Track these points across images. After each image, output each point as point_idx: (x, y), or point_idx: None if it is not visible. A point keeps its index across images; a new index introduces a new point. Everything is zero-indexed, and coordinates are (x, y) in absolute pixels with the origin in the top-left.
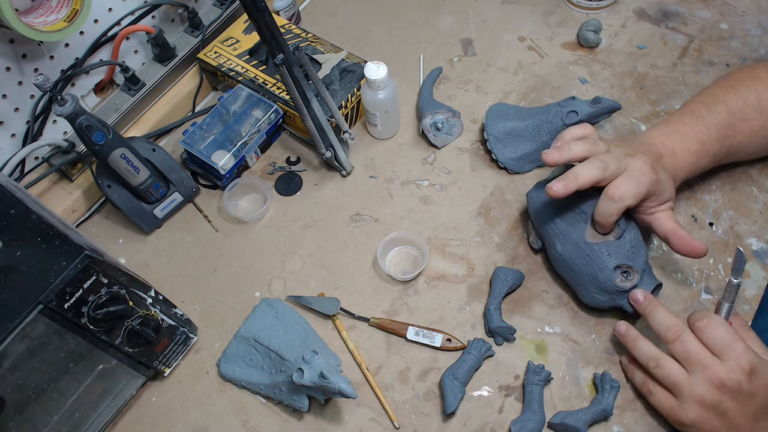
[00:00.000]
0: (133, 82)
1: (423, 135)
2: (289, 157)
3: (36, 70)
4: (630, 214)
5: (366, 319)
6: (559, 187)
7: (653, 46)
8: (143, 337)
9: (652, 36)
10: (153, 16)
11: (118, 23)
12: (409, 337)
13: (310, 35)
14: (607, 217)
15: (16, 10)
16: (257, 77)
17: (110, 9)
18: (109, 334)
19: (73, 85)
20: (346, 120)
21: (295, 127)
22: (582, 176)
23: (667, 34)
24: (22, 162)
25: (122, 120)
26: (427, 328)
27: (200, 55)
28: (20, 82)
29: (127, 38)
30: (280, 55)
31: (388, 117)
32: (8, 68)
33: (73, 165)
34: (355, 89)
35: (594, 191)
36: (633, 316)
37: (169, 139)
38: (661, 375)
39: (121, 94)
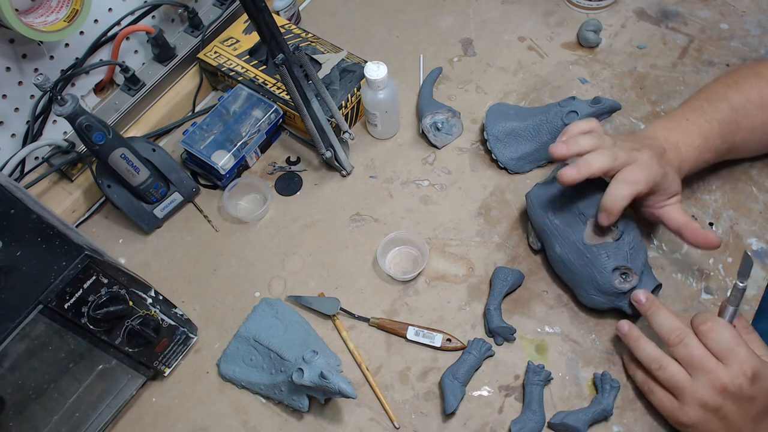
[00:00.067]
0: (133, 82)
1: (423, 135)
2: (289, 157)
3: (36, 70)
4: (638, 211)
5: (366, 319)
6: (572, 173)
7: (653, 46)
8: (143, 337)
9: (652, 36)
10: (153, 16)
11: (118, 23)
12: (409, 337)
13: (310, 35)
14: (617, 201)
15: (16, 10)
16: (257, 77)
17: (110, 9)
18: (109, 334)
19: (73, 85)
20: (346, 120)
21: (295, 127)
22: (594, 163)
23: (667, 34)
24: (22, 162)
25: (122, 120)
26: (427, 328)
27: (200, 55)
28: (20, 82)
29: (127, 38)
30: (280, 55)
31: (388, 117)
32: (8, 68)
33: (73, 165)
34: (355, 89)
35: (593, 192)
36: (633, 316)
37: (169, 139)
38: (664, 377)
39: (121, 94)
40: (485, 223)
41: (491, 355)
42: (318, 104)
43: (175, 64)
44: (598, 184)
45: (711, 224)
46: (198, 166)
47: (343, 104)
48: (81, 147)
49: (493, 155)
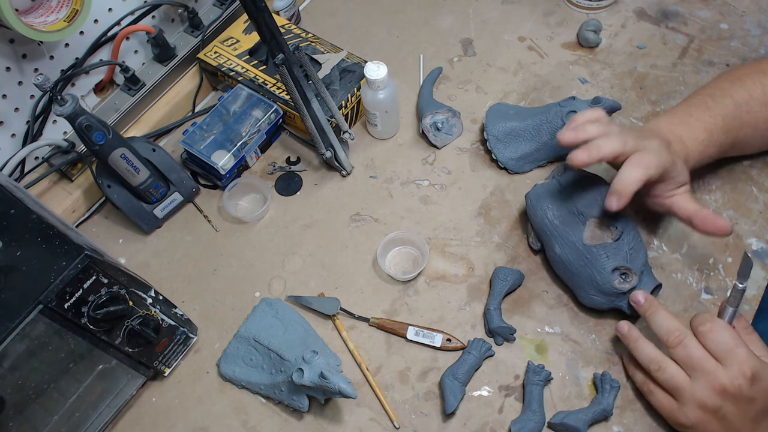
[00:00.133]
0: (133, 82)
1: (423, 135)
2: (289, 157)
3: (36, 70)
4: (646, 203)
5: (366, 319)
6: (583, 156)
7: (653, 46)
8: (143, 337)
9: (652, 36)
10: (153, 16)
11: (118, 23)
12: (409, 337)
13: (310, 35)
14: (629, 185)
15: (16, 10)
16: (257, 77)
17: (110, 9)
18: (109, 334)
19: (73, 85)
20: (346, 120)
21: (295, 127)
22: (605, 147)
23: (667, 34)
24: (22, 162)
25: (122, 120)
26: (427, 328)
27: (200, 55)
28: (20, 82)
29: (127, 38)
30: (280, 55)
31: (388, 117)
32: (8, 68)
33: (73, 165)
34: (355, 89)
35: (593, 192)
36: (632, 317)
37: (169, 139)
38: (663, 378)
39: (121, 94)
40: (485, 223)
41: (491, 355)
42: (318, 104)
43: (175, 64)
44: (597, 184)
45: None
46: (198, 166)
47: (343, 104)
48: (81, 147)
49: (493, 155)
